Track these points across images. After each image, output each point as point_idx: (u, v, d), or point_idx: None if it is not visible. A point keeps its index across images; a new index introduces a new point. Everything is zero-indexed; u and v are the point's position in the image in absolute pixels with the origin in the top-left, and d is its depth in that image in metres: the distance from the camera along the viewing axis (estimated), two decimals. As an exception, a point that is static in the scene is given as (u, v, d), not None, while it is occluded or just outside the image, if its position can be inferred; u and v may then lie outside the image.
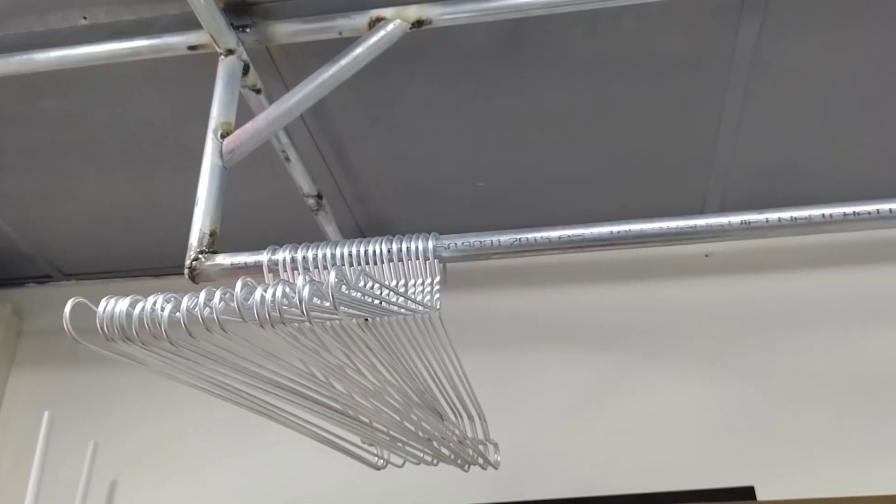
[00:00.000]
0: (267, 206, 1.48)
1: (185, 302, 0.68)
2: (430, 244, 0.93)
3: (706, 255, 1.66)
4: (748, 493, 1.28)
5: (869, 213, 0.89)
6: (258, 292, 0.67)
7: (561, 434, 1.51)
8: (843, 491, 1.26)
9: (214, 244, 0.98)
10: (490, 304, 1.69)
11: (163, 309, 0.69)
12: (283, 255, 0.94)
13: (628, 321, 1.63)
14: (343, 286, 0.70)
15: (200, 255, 0.96)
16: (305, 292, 0.66)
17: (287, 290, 0.66)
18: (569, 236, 0.94)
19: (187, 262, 0.95)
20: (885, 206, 0.90)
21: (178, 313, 0.69)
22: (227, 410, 1.64)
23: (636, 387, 1.55)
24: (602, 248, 0.94)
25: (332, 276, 0.65)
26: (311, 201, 1.38)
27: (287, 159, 1.28)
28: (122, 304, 0.72)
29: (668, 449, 1.46)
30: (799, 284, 1.61)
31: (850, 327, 1.53)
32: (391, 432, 0.96)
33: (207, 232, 0.98)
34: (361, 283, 0.75)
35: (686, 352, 1.57)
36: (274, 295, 0.66)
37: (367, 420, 0.92)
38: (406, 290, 0.91)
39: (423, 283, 0.92)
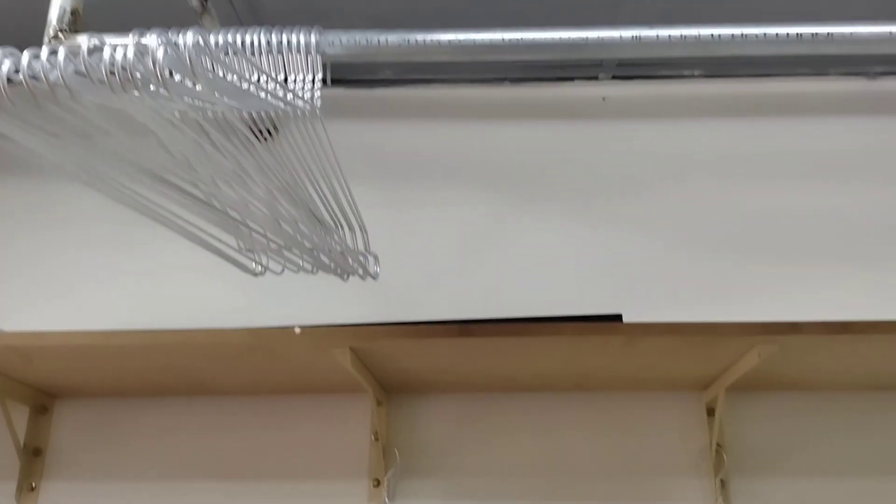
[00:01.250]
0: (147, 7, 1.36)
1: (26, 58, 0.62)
2: (314, 38, 0.88)
3: (603, 99, 1.67)
4: (616, 319, 1.36)
5: (756, 35, 0.90)
6: (107, 50, 0.61)
7: (449, 264, 1.55)
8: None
9: (77, 24, 0.90)
10: (384, 138, 1.66)
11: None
12: (153, 39, 0.87)
13: (522, 160, 1.64)
14: (206, 55, 0.66)
15: (60, 34, 0.87)
16: (160, 53, 0.61)
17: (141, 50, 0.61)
18: (459, 40, 0.91)
19: (45, 40, 0.87)
20: (771, 31, 0.90)
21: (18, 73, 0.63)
22: (104, 229, 1.61)
23: (525, 224, 1.59)
24: (492, 56, 0.92)
25: (190, 36, 0.60)
26: (196, 2, 1.28)
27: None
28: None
29: (548, 281, 1.53)
30: (692, 135, 1.65)
31: (735, 181, 1.60)
32: (268, 234, 0.94)
33: (69, 9, 0.89)
34: (229, 62, 0.70)
35: (576, 193, 1.61)
36: (125, 54, 0.61)
37: (239, 218, 0.90)
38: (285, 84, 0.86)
39: (303, 80, 0.88)
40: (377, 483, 1.40)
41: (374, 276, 1.09)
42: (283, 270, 1.04)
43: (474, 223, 1.60)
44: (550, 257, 1.55)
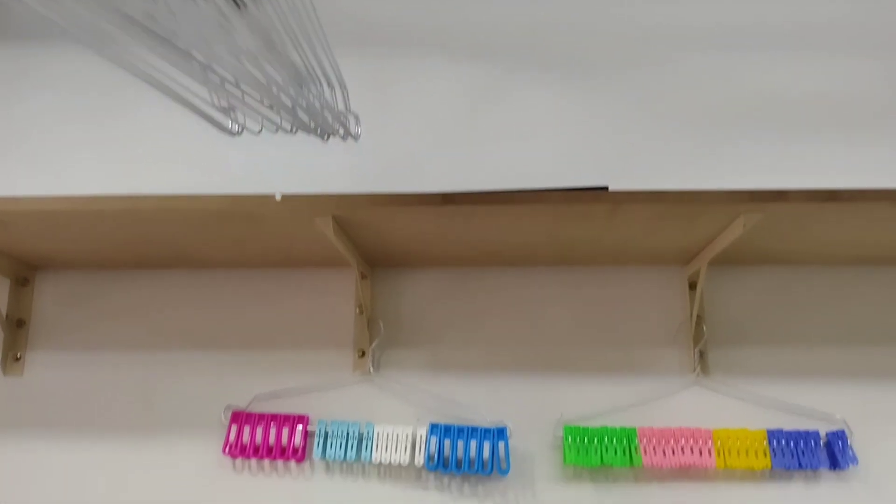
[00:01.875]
0: None
1: None
2: None
3: (597, -34, 1.60)
4: (602, 191, 1.34)
5: None
6: None
7: (434, 136, 1.52)
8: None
9: None
10: (368, 5, 1.59)
11: None
12: None
13: (509, 30, 1.59)
14: None
15: None
16: None
17: None
18: None
19: None
20: None
21: None
22: (82, 95, 1.56)
23: (512, 96, 1.55)
24: None
25: None
26: None
27: None
28: None
29: (535, 155, 1.51)
30: (682, 8, 1.60)
31: (725, 54, 1.56)
32: (246, 88, 0.91)
33: None
34: None
35: (565, 65, 1.57)
36: None
37: (217, 72, 0.86)
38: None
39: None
40: (362, 354, 1.41)
41: (356, 138, 1.06)
42: (261, 130, 1.01)
43: (460, 95, 1.56)
44: (537, 130, 1.53)
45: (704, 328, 1.38)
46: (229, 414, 1.39)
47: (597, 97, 1.54)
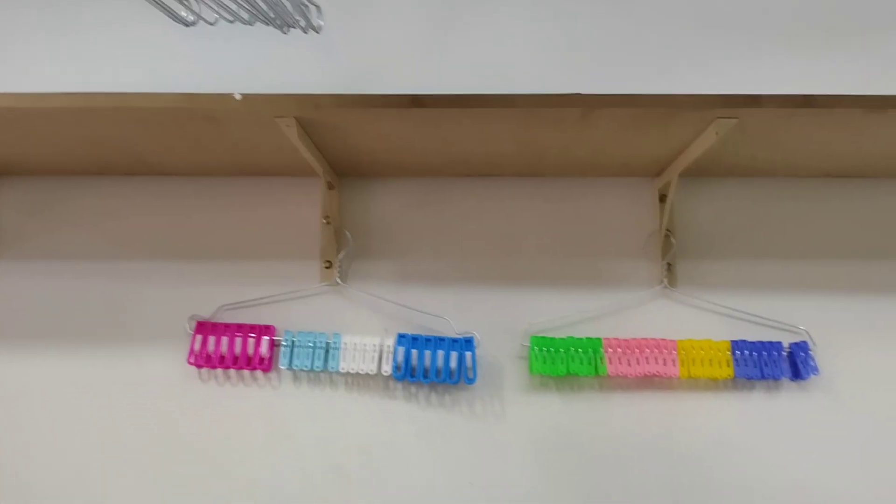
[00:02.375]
0: None
1: None
2: None
3: None
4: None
5: None
6: None
7: (404, 37, 1.47)
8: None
9: None
10: None
11: None
12: None
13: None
14: None
15: None
16: None
17: None
18: None
19: None
20: None
21: None
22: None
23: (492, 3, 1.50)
24: None
25: None
26: None
27: None
28: None
29: (506, 60, 1.47)
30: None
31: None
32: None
33: None
34: None
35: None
36: None
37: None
38: None
39: None
40: (329, 264, 1.40)
41: (317, 30, 1.02)
42: (216, 21, 0.96)
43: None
44: (508, 34, 1.48)
45: (673, 240, 1.38)
46: (194, 324, 1.37)
47: (571, 2, 1.50)
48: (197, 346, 1.35)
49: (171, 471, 1.34)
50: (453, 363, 1.33)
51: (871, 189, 1.42)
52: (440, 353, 1.33)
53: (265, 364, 1.35)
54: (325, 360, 1.34)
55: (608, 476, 1.32)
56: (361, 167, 1.38)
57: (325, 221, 1.40)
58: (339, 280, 1.38)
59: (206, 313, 1.38)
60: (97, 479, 1.34)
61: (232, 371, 1.38)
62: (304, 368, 1.34)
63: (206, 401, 1.36)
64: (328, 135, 1.22)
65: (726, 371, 1.33)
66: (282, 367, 1.34)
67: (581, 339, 1.34)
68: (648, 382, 1.36)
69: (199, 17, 0.94)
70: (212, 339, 1.36)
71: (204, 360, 1.35)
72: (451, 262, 1.40)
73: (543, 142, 1.25)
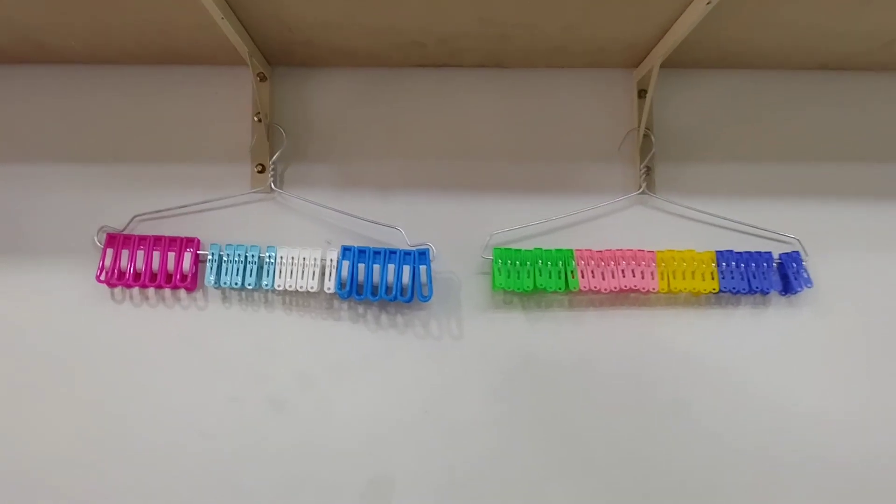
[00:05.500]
0: None
1: None
2: None
3: None
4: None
5: None
6: None
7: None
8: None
9: None
10: None
11: None
12: None
13: None
14: None
15: None
16: None
17: None
18: None
19: None
20: None
21: None
22: None
23: None
24: None
25: None
26: None
27: None
28: None
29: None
30: None
31: None
32: None
33: None
34: None
35: None
36: None
37: None
38: None
39: None
40: (261, 168, 1.21)
41: None
42: None
43: None
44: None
45: (653, 140, 1.22)
46: (104, 236, 1.18)
47: None
48: (108, 262, 1.17)
49: (79, 405, 1.17)
50: (405, 279, 1.16)
51: (870, 83, 1.28)
52: (390, 267, 1.17)
53: (189, 282, 1.17)
54: (259, 276, 1.17)
55: (577, 403, 1.19)
56: (297, 52, 1.19)
57: (256, 118, 1.21)
58: (273, 186, 1.21)
59: (118, 224, 1.19)
60: (-7, 415, 1.16)
61: (150, 290, 1.20)
62: (235, 286, 1.16)
63: (119, 324, 1.18)
64: (253, 7, 1.03)
65: (710, 284, 1.19)
66: (207, 285, 1.17)
67: (550, 250, 1.19)
68: (624, 298, 1.21)
69: None
70: (125, 254, 1.17)
71: (116, 278, 1.17)
72: (403, 165, 1.23)
73: (506, 16, 1.07)
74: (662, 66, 1.17)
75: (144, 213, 1.20)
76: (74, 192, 1.20)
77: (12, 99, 1.22)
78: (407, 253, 1.17)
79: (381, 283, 1.16)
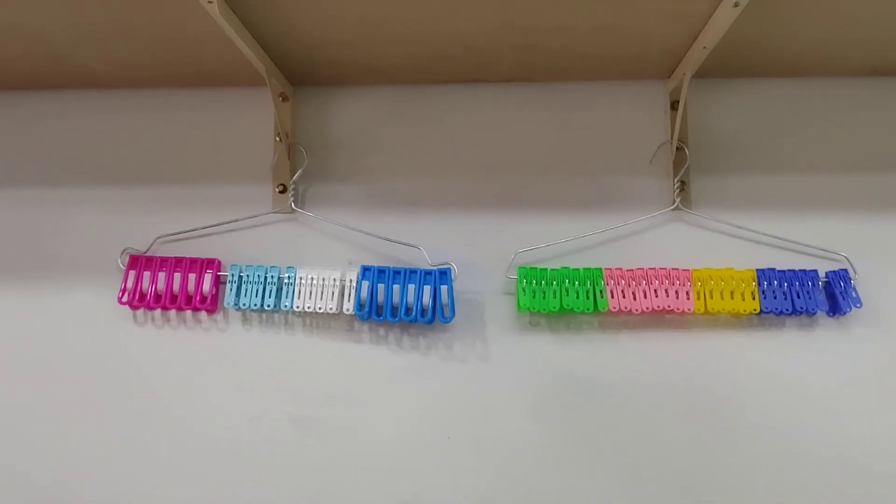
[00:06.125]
0: None
1: None
2: None
3: None
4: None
5: None
6: None
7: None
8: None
9: None
10: None
11: None
12: None
13: None
14: None
15: None
16: None
17: None
18: None
19: None
20: None
21: None
22: None
23: None
24: None
25: None
26: None
27: None
28: None
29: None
30: None
31: None
32: None
33: None
34: None
35: None
36: None
37: None
38: None
39: None
40: (283, 188, 1.20)
41: None
42: None
43: None
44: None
45: (687, 152, 1.16)
46: (127, 258, 1.18)
47: None
48: (130, 284, 1.17)
49: (102, 427, 1.16)
50: (426, 299, 1.13)
51: (925, 89, 1.19)
52: (411, 287, 1.13)
53: (209, 303, 1.16)
54: (279, 297, 1.15)
55: (611, 428, 1.12)
56: (319, 72, 1.18)
57: (278, 139, 1.20)
58: (294, 206, 1.19)
59: (140, 246, 1.19)
60: (16, 432, 1.16)
61: (172, 312, 1.19)
62: (254, 307, 1.15)
63: (143, 346, 1.18)
64: (272, 28, 1.02)
65: (751, 305, 1.12)
66: (228, 307, 1.15)
67: (578, 269, 1.13)
68: (659, 320, 1.15)
69: None
70: (147, 276, 1.17)
71: (138, 300, 1.16)
72: (426, 183, 1.20)
73: (533, 21, 1.02)
74: (696, 76, 1.12)
75: (167, 235, 1.19)
76: (99, 214, 1.21)
77: (38, 122, 1.24)
78: (428, 272, 1.13)
79: (401, 303, 1.13)
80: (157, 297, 1.16)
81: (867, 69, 1.17)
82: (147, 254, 1.19)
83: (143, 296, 1.17)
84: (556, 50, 1.10)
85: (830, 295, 1.13)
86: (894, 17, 1.00)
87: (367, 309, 1.13)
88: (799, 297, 1.12)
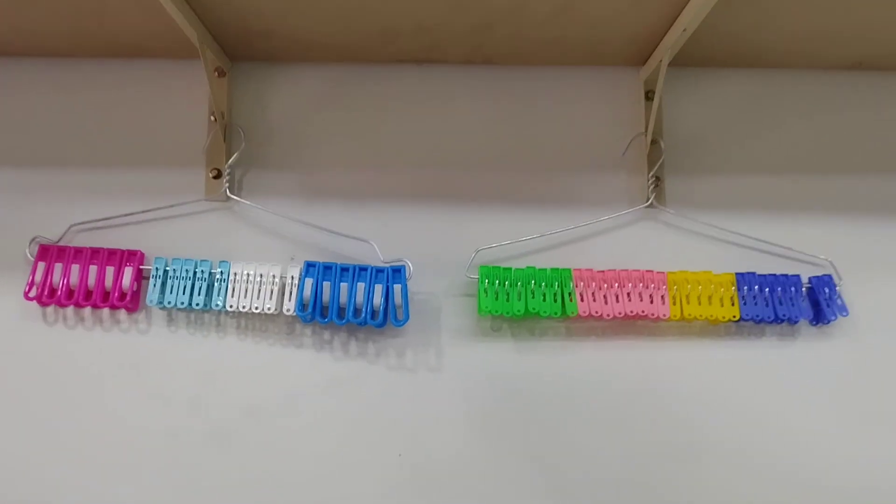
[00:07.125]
0: None
1: None
2: None
3: None
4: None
5: None
6: None
7: None
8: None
9: None
10: None
11: None
12: None
13: None
14: None
15: None
16: None
17: None
18: None
19: None
20: None
21: None
22: None
23: None
24: None
25: None
26: None
27: None
28: None
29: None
30: None
31: None
32: None
33: None
34: None
35: None
36: None
37: None
38: None
39: None
40: (217, 173, 1.07)
41: None
42: None
43: None
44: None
45: (663, 146, 1.07)
46: (36, 248, 1.04)
47: None
48: (39, 277, 1.02)
49: (5, 438, 1.01)
50: (377, 299, 1.01)
51: (911, 85, 1.13)
52: (360, 286, 1.01)
53: (129, 301, 1.03)
54: (209, 295, 1.02)
55: (573, 445, 1.02)
56: (258, 44, 1.06)
57: (212, 118, 1.08)
58: (229, 193, 1.06)
59: (52, 235, 1.05)
60: None
61: (86, 310, 1.05)
62: (180, 306, 1.01)
63: (50, 349, 1.03)
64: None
65: (730, 311, 1.03)
66: (149, 305, 1.01)
67: (544, 270, 1.03)
68: (630, 326, 1.05)
69: None
70: (59, 268, 1.03)
71: (48, 295, 1.02)
72: (377, 173, 1.08)
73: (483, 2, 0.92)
74: (673, 63, 1.03)
75: (83, 223, 1.05)
76: (5, 198, 1.06)
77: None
78: (379, 270, 1.02)
79: (348, 304, 1.01)
80: (70, 292, 1.02)
81: (850, 62, 1.11)
82: (59, 243, 1.05)
83: (53, 291, 1.02)
84: (514, 30, 1.00)
85: (814, 302, 1.05)
86: (880, 8, 0.93)
87: (310, 309, 1.01)
88: (781, 303, 1.04)
